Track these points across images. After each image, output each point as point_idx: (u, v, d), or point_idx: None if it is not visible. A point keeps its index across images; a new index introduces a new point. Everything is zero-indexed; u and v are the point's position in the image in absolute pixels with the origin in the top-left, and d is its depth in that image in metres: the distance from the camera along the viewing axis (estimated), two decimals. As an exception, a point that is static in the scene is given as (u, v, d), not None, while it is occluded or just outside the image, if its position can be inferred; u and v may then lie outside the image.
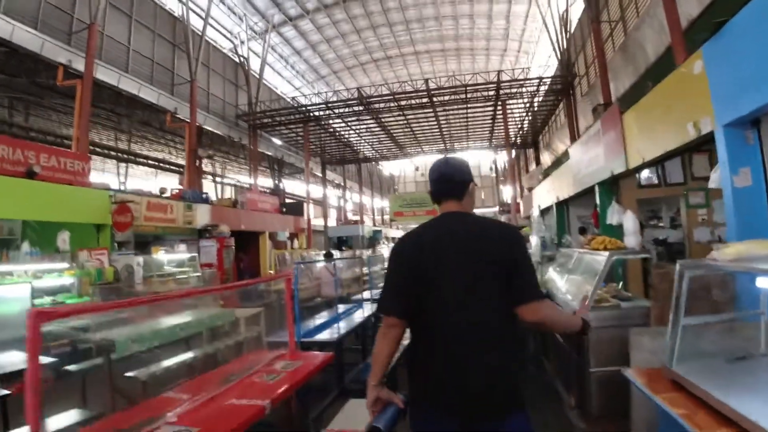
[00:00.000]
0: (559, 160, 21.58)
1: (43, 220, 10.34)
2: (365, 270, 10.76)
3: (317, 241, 34.08)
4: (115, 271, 10.43)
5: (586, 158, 8.75)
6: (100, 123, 21.08)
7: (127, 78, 16.86)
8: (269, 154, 27.17)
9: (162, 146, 25.02)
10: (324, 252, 10.63)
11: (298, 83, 30.85)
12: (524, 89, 19.88)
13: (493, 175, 52.32)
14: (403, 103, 20.37)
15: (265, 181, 33.41)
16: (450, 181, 2.01)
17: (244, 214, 16.47)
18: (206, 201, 14.94)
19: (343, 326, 5.52)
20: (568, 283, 5.58)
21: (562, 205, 11.55)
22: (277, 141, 26.96)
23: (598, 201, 8.10)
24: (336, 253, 14.79)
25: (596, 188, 8.16)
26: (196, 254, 12.32)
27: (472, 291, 1.80)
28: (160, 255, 11.17)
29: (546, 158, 25.40)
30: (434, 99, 19.92)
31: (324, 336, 4.78)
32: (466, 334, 1.78)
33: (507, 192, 38.71)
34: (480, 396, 1.75)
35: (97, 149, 22.04)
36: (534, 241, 7.76)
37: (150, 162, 24.24)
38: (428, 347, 1.86)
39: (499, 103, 20.42)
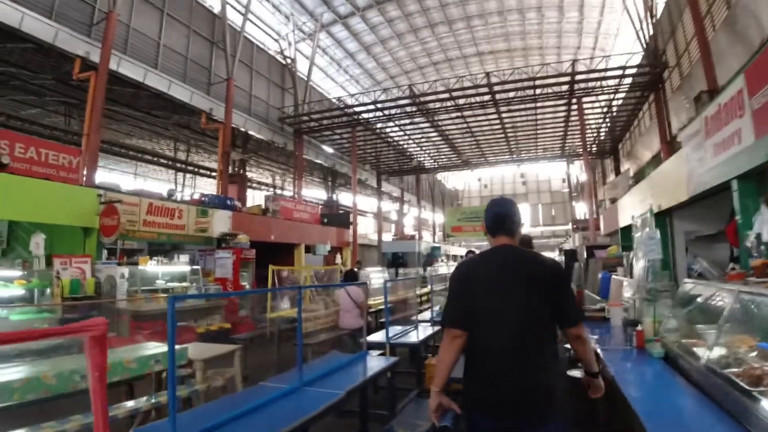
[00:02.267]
0: (643, 171, 18.29)
1: (15, 219, 8.81)
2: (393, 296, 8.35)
3: (370, 257, 32.01)
4: (97, 284, 8.69)
5: (711, 143, 5.94)
6: (158, 132, 20.41)
7: (155, 74, 15.51)
8: (319, 162, 25.47)
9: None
10: (346, 270, 8.35)
11: (354, 89, 29.08)
12: (603, 83, 16.82)
13: (565, 190, 48.39)
14: (461, 101, 17.87)
15: (319, 193, 32.13)
16: (509, 220, 2.39)
17: (275, 224, 14.54)
18: (229, 207, 13.11)
19: (304, 408, 3.15)
20: (726, 345, 2.93)
21: (664, 218, 8.63)
22: (328, 149, 25.22)
23: (737, 205, 5.28)
24: (366, 273, 12.54)
25: (734, 186, 5.35)
26: (199, 266, 10.43)
27: (516, 312, 2.17)
28: (152, 266, 9.31)
29: (627, 169, 21.91)
30: (497, 96, 17.27)
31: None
32: (508, 349, 2.15)
33: (580, 208, 35.08)
34: (518, 400, 2.11)
35: (156, 159, 21.55)
36: (640, 266, 5.07)
37: (203, 171, 23.23)
38: (478, 359, 2.23)
39: (574, 100, 17.47)
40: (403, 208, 35.90)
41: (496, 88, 16.95)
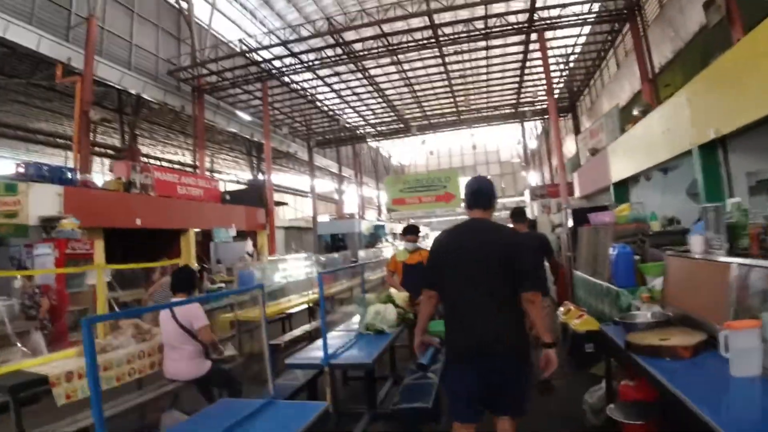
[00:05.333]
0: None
1: None
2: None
3: (307, 241, 28.20)
4: None
5: None
6: (53, 110, 16.06)
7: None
8: (233, 131, 21.29)
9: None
10: (174, 270, 4.54)
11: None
12: (570, 9, 13.53)
13: (515, 160, 45.89)
14: (394, 40, 14.17)
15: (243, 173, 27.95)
16: (485, 195, 2.74)
17: (143, 203, 10.55)
18: (61, 180, 9.04)
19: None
20: None
21: (712, 152, 5.33)
22: (245, 116, 21.02)
23: None
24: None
25: None
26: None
27: (479, 277, 2.53)
28: None
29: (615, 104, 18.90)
30: (439, 31, 13.62)
31: None
32: (476, 308, 2.53)
33: (532, 178, 32.47)
34: (486, 351, 2.46)
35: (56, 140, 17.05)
36: None
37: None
38: (452, 318, 2.62)
39: (533, 36, 14.14)
40: (343, 185, 32.09)
41: (438, 19, 13.27)
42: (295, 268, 12.24)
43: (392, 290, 5.42)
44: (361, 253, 18.87)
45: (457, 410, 2.57)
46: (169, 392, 4.26)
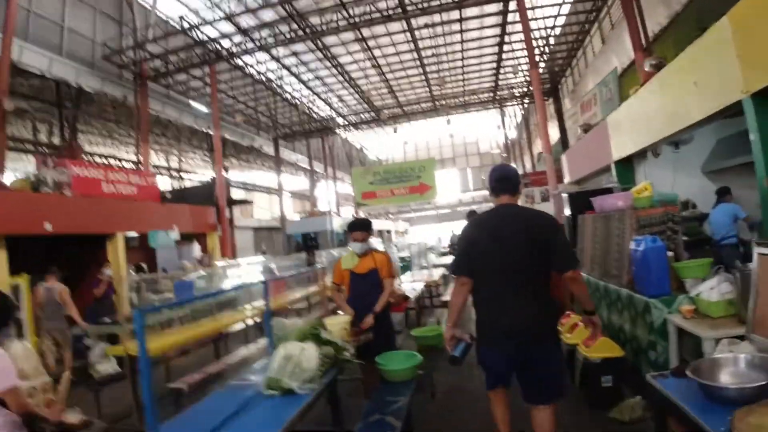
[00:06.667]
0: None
1: None
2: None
3: (277, 242, 26.47)
4: None
5: None
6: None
7: None
8: (188, 124, 19.45)
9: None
10: None
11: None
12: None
13: (494, 151, 44.59)
14: (355, 12, 12.52)
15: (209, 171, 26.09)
16: (508, 180, 2.72)
17: (56, 204, 8.74)
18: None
19: None
20: None
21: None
22: (200, 106, 19.19)
23: None
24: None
25: None
26: None
27: (512, 262, 2.52)
28: None
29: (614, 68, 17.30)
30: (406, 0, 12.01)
31: None
32: (509, 291, 2.53)
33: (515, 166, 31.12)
34: (517, 334, 2.49)
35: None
36: None
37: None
38: (485, 301, 2.63)
39: (512, 5, 12.63)
40: (315, 180, 30.33)
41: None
42: (247, 274, 10.66)
43: (328, 320, 3.73)
44: (334, 253, 17.27)
45: (489, 382, 2.70)
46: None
